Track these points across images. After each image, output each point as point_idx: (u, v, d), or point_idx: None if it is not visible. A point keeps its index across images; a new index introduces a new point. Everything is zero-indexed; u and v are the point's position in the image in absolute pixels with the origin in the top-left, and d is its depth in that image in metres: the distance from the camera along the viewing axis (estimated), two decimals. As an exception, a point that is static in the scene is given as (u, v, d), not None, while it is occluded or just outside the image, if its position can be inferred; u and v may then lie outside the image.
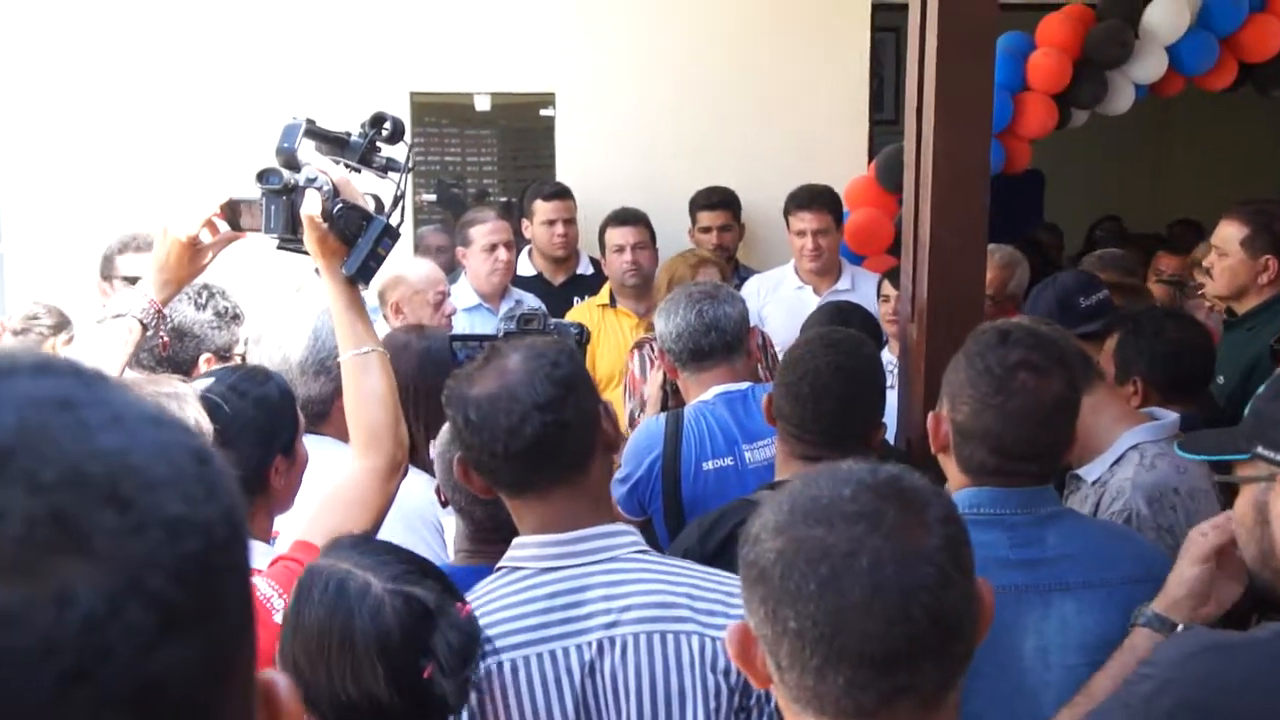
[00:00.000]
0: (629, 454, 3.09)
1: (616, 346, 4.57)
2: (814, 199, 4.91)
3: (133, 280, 2.73)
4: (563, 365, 1.83)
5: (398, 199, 2.22)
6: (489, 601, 1.80)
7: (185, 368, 2.82)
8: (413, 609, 1.50)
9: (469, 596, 1.83)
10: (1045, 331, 2.19)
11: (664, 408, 3.36)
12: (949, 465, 2.08)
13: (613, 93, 5.54)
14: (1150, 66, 5.41)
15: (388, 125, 2.27)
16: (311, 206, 2.09)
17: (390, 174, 2.29)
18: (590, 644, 1.77)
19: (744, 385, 3.09)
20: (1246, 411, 1.75)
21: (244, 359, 2.89)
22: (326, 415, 2.69)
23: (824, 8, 5.60)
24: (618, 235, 4.83)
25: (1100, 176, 8.73)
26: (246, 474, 2.06)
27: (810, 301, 4.72)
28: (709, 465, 3.01)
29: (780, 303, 4.87)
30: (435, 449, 2.35)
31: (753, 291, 4.83)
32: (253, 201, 2.18)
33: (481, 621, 1.76)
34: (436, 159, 6.50)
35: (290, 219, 2.14)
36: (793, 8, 5.55)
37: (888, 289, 4.42)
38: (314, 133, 2.23)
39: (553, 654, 1.76)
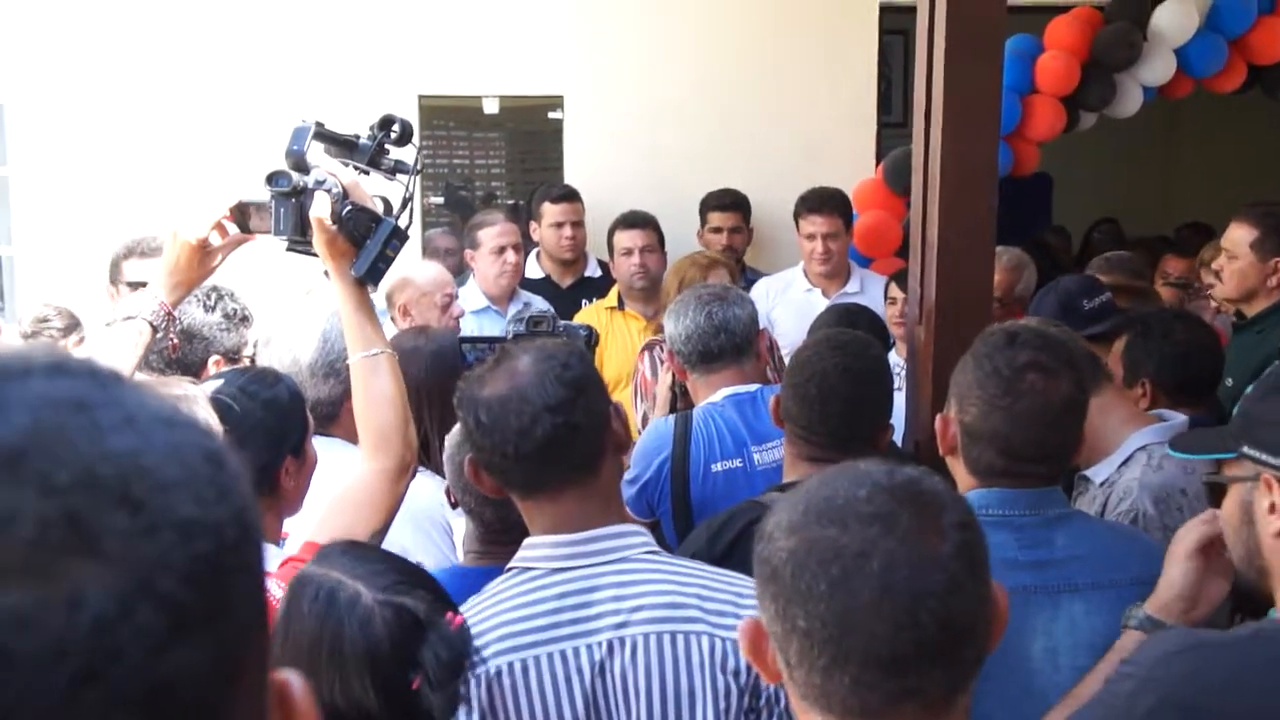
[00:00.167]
0: (638, 455, 3.09)
1: (624, 349, 4.58)
2: (824, 202, 4.91)
3: (137, 286, 2.74)
4: (573, 367, 1.84)
5: (406, 201, 2.23)
6: (499, 601, 1.80)
7: (194, 370, 2.82)
8: (403, 620, 1.50)
9: (478, 597, 1.84)
10: (1053, 333, 2.19)
11: (673, 409, 3.36)
12: (956, 467, 2.08)
13: (621, 95, 5.54)
14: (1159, 69, 5.40)
15: (396, 128, 2.27)
16: (320, 209, 2.10)
17: (399, 176, 2.29)
18: (600, 644, 1.77)
19: (753, 387, 3.09)
20: (1235, 411, 1.75)
21: (253, 361, 2.89)
22: (336, 417, 2.70)
23: (832, 10, 5.59)
24: (626, 238, 4.83)
25: (1109, 179, 8.71)
26: (256, 476, 2.07)
27: (819, 304, 4.72)
28: (718, 467, 3.01)
29: (789, 305, 4.87)
30: (445, 451, 2.36)
31: (761, 294, 4.83)
32: (262, 204, 2.19)
33: (492, 621, 1.77)
34: (444, 162, 6.50)
35: (299, 221, 2.14)
36: (800, 10, 5.55)
37: (895, 291, 4.42)
38: (323, 135, 2.23)
39: (563, 654, 1.76)
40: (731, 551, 2.31)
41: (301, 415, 2.24)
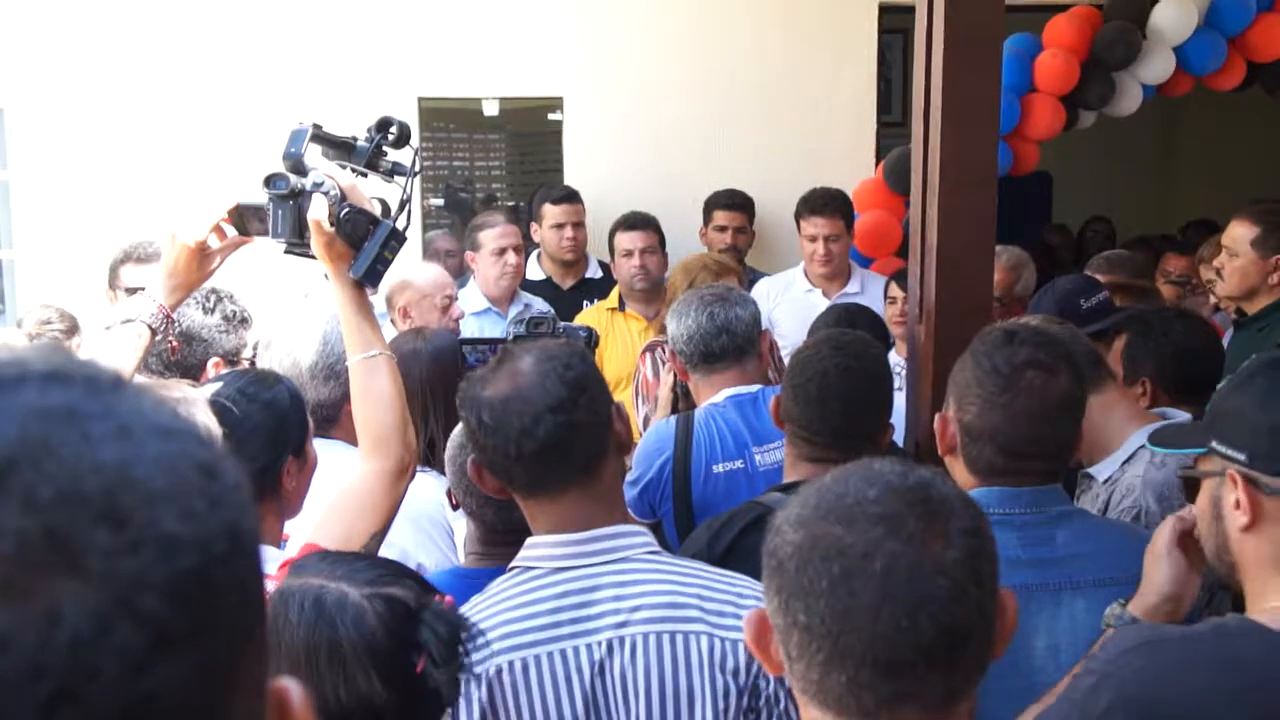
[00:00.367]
0: (639, 456, 3.09)
1: (625, 350, 4.58)
2: (826, 204, 4.90)
3: (135, 291, 2.74)
4: (575, 367, 1.84)
5: (404, 203, 2.23)
6: (500, 600, 1.81)
7: (194, 372, 2.82)
8: (394, 609, 1.49)
9: (479, 596, 1.84)
10: (1053, 330, 2.19)
11: (674, 410, 3.36)
12: (956, 466, 2.08)
13: (620, 97, 5.55)
14: (1158, 67, 5.40)
15: (394, 130, 2.27)
16: (318, 211, 2.10)
17: (396, 178, 2.29)
18: (600, 643, 1.77)
19: (754, 388, 3.09)
20: (1208, 406, 1.75)
21: (252, 363, 2.89)
22: (336, 419, 2.70)
23: (831, 10, 5.59)
24: (626, 240, 4.83)
25: (1108, 177, 8.71)
26: (256, 478, 2.07)
27: (820, 304, 4.71)
28: (719, 468, 3.01)
29: (790, 305, 4.87)
30: (446, 452, 2.36)
31: (762, 294, 4.83)
32: (260, 206, 2.19)
33: (493, 620, 1.77)
34: (444, 164, 6.51)
35: (297, 223, 2.14)
36: (800, 10, 5.55)
37: (895, 290, 4.42)
38: (321, 138, 2.23)
39: (563, 653, 1.77)
40: (732, 552, 2.31)
41: (301, 417, 2.24)
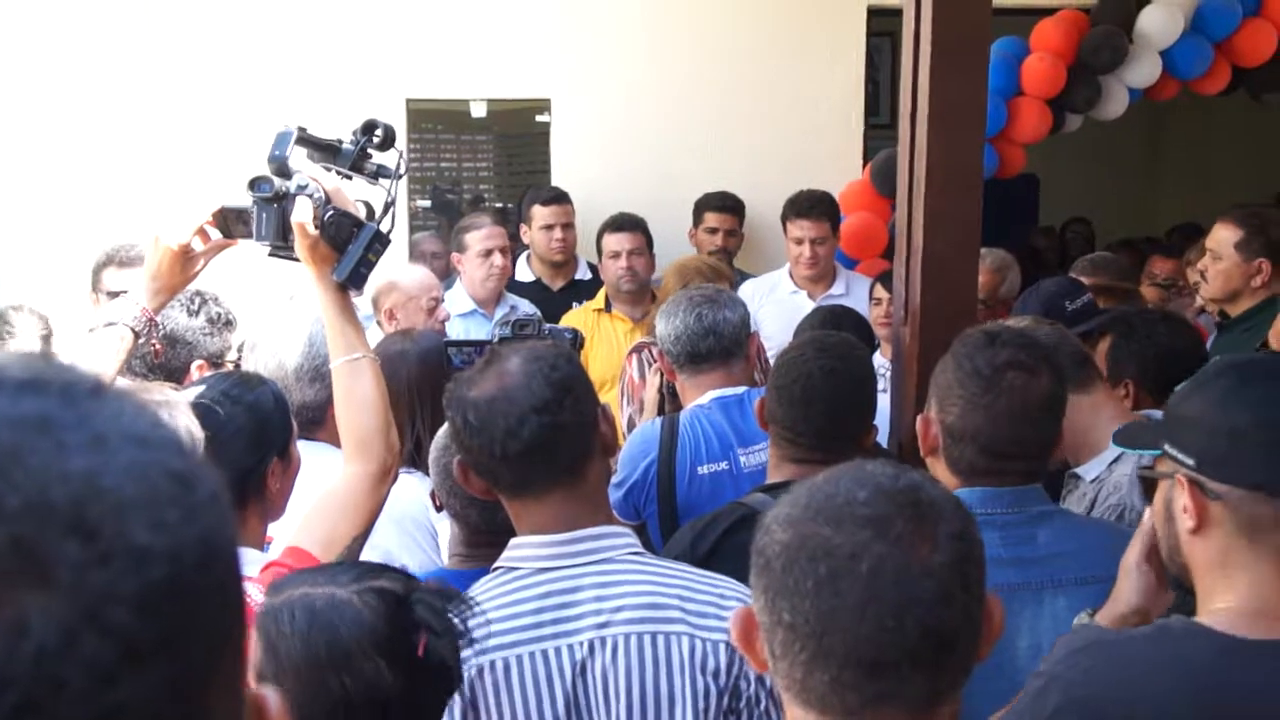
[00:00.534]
0: (624, 458, 3.10)
1: (610, 351, 4.58)
2: (813, 207, 4.89)
3: (116, 295, 2.73)
4: (560, 368, 1.85)
5: (388, 205, 2.23)
6: (483, 600, 1.81)
7: (177, 375, 2.82)
8: (386, 599, 1.50)
9: (463, 598, 1.84)
10: (1038, 332, 2.20)
11: (661, 411, 3.36)
12: (938, 467, 2.09)
13: (608, 98, 5.55)
14: (1144, 71, 5.42)
15: (379, 132, 2.27)
16: (303, 214, 2.09)
17: (381, 181, 2.29)
18: (582, 644, 1.78)
19: (740, 389, 3.09)
20: (1166, 406, 1.75)
21: (237, 365, 2.89)
22: (321, 421, 2.70)
23: (819, 13, 5.60)
24: (614, 241, 4.83)
25: (1094, 180, 8.75)
26: (239, 480, 2.07)
27: (805, 306, 4.72)
28: (704, 469, 3.01)
29: (775, 307, 4.87)
30: (430, 454, 2.36)
31: (747, 295, 4.81)
32: (244, 209, 2.18)
33: (474, 620, 1.77)
34: (432, 165, 6.51)
35: (281, 226, 2.14)
36: (788, 12, 5.56)
37: (880, 292, 4.42)
38: (305, 140, 2.23)
39: (544, 653, 1.77)
40: (715, 553, 2.31)
41: (285, 419, 2.24)
